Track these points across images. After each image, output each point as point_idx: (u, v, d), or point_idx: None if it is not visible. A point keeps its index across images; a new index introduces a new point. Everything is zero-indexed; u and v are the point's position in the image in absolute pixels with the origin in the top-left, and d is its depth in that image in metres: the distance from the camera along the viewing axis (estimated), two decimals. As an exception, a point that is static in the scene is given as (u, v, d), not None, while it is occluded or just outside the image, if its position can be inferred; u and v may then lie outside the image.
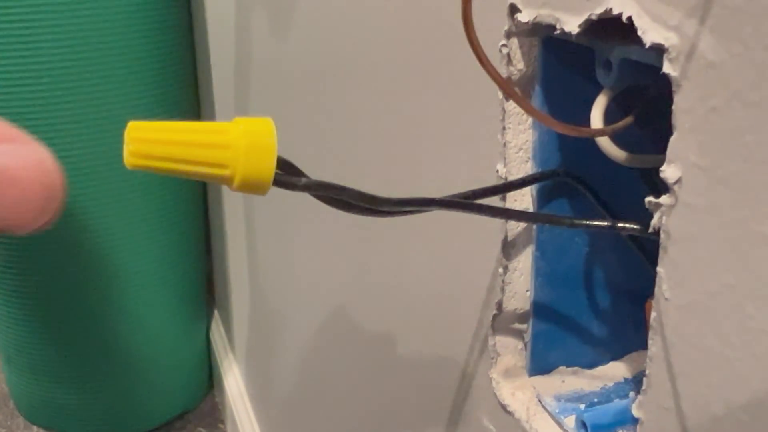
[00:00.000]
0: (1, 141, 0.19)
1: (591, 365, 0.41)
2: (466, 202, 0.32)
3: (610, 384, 0.40)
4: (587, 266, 0.39)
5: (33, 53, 1.12)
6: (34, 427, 1.51)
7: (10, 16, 1.11)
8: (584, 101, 0.33)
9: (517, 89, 0.35)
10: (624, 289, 0.40)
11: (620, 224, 0.32)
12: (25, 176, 0.19)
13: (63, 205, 0.21)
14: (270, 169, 0.23)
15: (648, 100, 0.32)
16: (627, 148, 0.32)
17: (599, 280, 0.40)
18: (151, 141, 0.22)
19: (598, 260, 0.39)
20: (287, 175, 0.25)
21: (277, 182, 0.24)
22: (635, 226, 0.31)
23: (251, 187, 0.23)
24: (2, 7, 1.10)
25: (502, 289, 0.39)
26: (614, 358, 0.42)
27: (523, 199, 0.38)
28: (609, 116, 0.32)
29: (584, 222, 0.33)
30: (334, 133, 0.65)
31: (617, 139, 0.33)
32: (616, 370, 0.41)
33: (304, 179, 0.25)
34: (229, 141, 0.22)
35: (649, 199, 0.27)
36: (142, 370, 1.43)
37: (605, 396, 0.39)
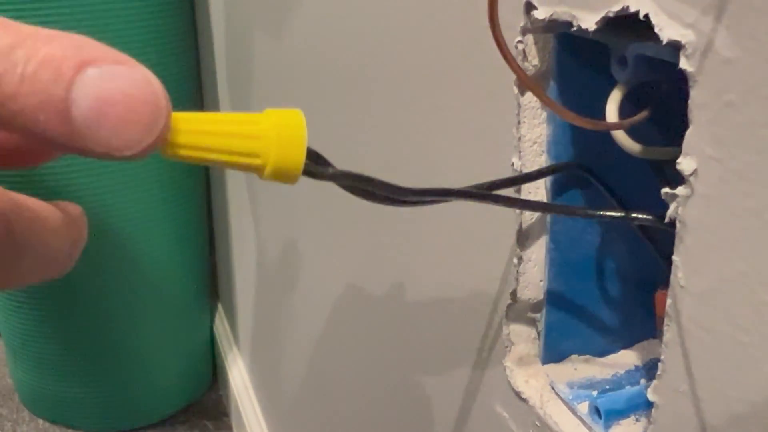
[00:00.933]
0: (114, 63, 0.20)
1: (602, 353, 0.42)
2: (484, 193, 0.33)
3: (622, 372, 0.41)
4: (599, 257, 0.40)
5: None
6: (39, 420, 1.52)
7: (14, 5, 1.12)
8: (597, 96, 0.34)
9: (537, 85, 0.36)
10: (634, 279, 0.41)
11: (633, 214, 0.33)
12: (137, 94, 0.20)
13: (167, 128, 0.22)
14: (300, 159, 0.23)
15: (662, 95, 0.33)
16: (639, 141, 0.33)
17: (610, 270, 0.41)
18: (187, 131, 0.23)
19: (609, 251, 0.40)
20: (315, 165, 0.26)
21: (306, 172, 0.25)
22: (648, 217, 0.32)
23: (282, 177, 0.24)
24: None
25: (517, 279, 0.40)
26: (625, 347, 0.43)
27: (537, 192, 0.39)
28: (620, 111, 0.33)
29: (599, 212, 0.34)
30: (353, 129, 0.66)
31: (630, 132, 0.34)
32: (627, 358, 0.42)
33: (331, 169, 0.26)
34: (261, 131, 0.23)
35: (665, 190, 0.28)
36: (147, 363, 1.44)
37: (617, 383, 0.40)
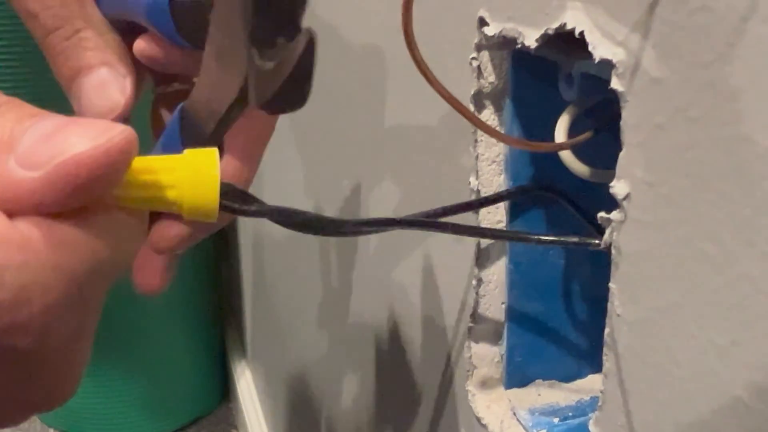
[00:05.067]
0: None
1: (569, 378, 0.41)
2: (428, 221, 0.32)
3: (587, 398, 0.40)
4: (564, 278, 0.39)
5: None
6: (51, 430, 1.52)
7: None
8: (555, 115, 0.33)
9: (487, 104, 0.35)
10: (602, 301, 0.40)
11: (571, 239, 0.31)
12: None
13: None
14: (213, 201, 0.23)
15: (613, 115, 0.32)
16: (600, 163, 0.32)
17: (576, 292, 0.40)
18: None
19: (574, 272, 0.39)
20: (240, 202, 0.25)
21: (227, 208, 0.25)
22: (589, 241, 0.30)
23: (201, 217, 0.24)
24: None
25: (477, 301, 0.39)
26: (594, 372, 0.41)
27: (497, 211, 0.38)
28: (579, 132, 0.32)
29: (550, 238, 0.33)
30: (326, 144, 0.65)
31: (590, 154, 0.33)
32: (594, 384, 0.41)
33: (256, 206, 0.26)
34: (175, 180, 0.23)
35: (601, 214, 0.27)
36: (157, 375, 1.44)
37: (581, 410, 0.39)
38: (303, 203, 0.77)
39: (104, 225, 0.22)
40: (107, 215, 0.22)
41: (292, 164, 0.82)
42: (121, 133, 0.20)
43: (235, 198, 0.25)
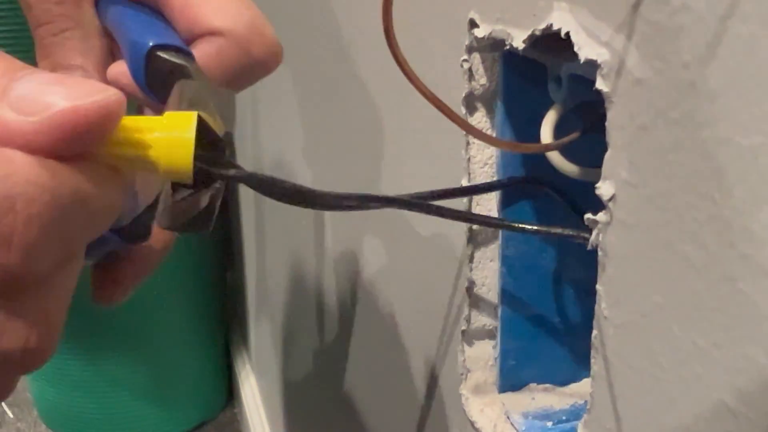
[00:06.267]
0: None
1: (564, 382, 0.41)
2: (413, 201, 0.31)
3: (581, 402, 0.39)
4: (557, 281, 0.39)
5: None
6: (55, 434, 1.53)
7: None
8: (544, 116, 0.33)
9: (472, 106, 0.35)
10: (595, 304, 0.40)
11: (560, 230, 0.31)
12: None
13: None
14: (187, 161, 0.24)
15: (600, 115, 0.31)
16: (583, 162, 0.32)
17: (570, 295, 0.39)
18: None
19: (568, 275, 0.39)
20: (216, 166, 0.25)
21: (202, 171, 0.25)
22: (584, 235, 0.30)
23: (176, 177, 0.24)
24: None
25: (470, 305, 0.39)
26: (588, 375, 0.41)
27: (488, 203, 0.38)
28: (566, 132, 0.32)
29: (543, 229, 0.32)
30: (326, 143, 0.65)
31: (583, 154, 0.32)
32: (589, 388, 0.40)
33: (233, 170, 0.26)
34: (153, 140, 0.24)
35: (588, 215, 0.27)
36: (162, 379, 1.45)
37: (575, 414, 0.38)
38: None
39: (87, 168, 0.23)
40: (91, 162, 0.23)
41: (295, 165, 0.82)
42: (116, 92, 0.22)
43: (212, 162, 0.25)
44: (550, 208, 0.37)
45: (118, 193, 0.24)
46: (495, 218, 0.35)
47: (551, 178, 0.36)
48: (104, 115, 0.22)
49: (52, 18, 0.33)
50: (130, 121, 0.24)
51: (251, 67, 0.32)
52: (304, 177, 0.77)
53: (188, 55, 0.31)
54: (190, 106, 0.26)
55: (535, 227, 0.31)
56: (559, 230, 0.30)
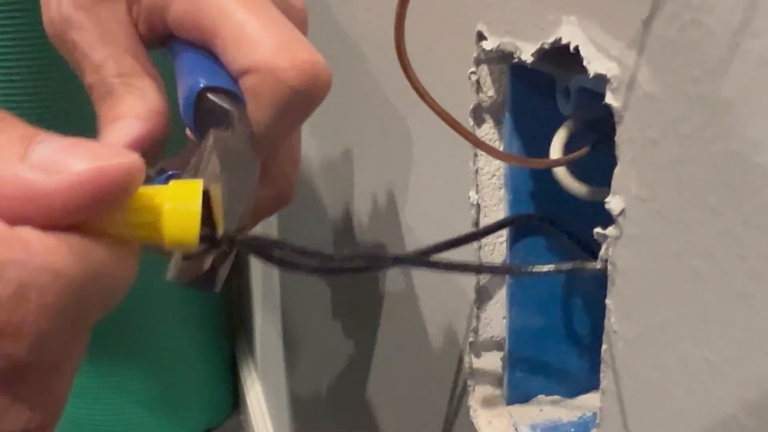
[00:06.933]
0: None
1: (573, 394, 0.41)
2: (421, 259, 0.30)
3: (589, 414, 0.39)
4: (565, 294, 0.39)
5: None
6: (62, 443, 1.52)
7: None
8: (556, 129, 0.33)
9: (477, 121, 0.35)
10: (603, 318, 0.40)
11: (567, 266, 0.31)
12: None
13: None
14: (193, 237, 0.23)
15: (610, 130, 0.31)
16: (592, 181, 0.32)
17: (578, 307, 0.39)
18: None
19: (576, 288, 0.39)
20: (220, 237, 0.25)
21: (207, 241, 0.25)
22: (594, 265, 0.29)
23: (181, 249, 0.25)
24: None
25: (477, 317, 0.39)
26: (596, 388, 0.41)
27: (498, 236, 0.38)
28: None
29: (543, 269, 0.32)
30: (335, 147, 0.65)
31: (589, 170, 0.32)
32: (597, 400, 0.40)
33: (239, 237, 0.26)
34: (157, 218, 0.23)
35: (597, 230, 0.27)
36: (168, 387, 1.44)
37: (583, 426, 0.38)
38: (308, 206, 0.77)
39: (103, 245, 0.22)
40: (103, 237, 0.22)
41: (306, 172, 0.82)
42: (138, 157, 0.22)
43: (214, 228, 0.25)
44: (559, 236, 0.37)
45: (132, 268, 0.23)
46: (504, 266, 0.35)
47: (553, 213, 0.36)
48: (127, 178, 0.21)
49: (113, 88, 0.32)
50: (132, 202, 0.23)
51: (289, 99, 0.29)
52: (316, 186, 0.77)
53: (237, 100, 0.30)
54: (218, 159, 0.26)
55: (545, 269, 0.31)
56: (569, 266, 0.30)
